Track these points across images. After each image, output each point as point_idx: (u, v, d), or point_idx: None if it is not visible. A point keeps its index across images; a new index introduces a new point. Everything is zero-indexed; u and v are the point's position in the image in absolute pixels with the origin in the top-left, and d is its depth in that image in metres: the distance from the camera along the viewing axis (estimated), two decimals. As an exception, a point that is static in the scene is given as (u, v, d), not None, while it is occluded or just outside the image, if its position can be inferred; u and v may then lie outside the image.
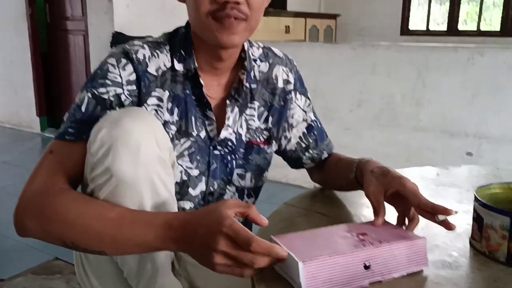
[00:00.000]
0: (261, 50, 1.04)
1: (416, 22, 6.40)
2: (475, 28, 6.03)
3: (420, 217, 0.81)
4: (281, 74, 1.04)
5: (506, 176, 1.12)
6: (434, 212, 0.76)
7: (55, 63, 4.56)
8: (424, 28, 6.30)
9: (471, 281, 0.70)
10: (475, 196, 0.79)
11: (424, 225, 0.88)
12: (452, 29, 6.09)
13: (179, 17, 0.97)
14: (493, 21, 6.12)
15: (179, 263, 0.97)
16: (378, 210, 0.80)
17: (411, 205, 0.80)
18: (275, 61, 1.04)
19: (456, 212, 0.76)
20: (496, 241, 0.74)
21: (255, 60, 1.01)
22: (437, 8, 6.40)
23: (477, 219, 0.77)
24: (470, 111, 2.56)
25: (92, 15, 4.02)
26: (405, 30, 6.29)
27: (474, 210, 0.79)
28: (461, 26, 6.17)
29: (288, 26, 5.28)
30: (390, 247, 0.68)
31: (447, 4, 6.15)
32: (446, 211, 0.75)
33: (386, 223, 0.79)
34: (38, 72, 4.52)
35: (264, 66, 1.03)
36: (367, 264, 0.65)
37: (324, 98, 2.92)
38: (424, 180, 1.16)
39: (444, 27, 6.20)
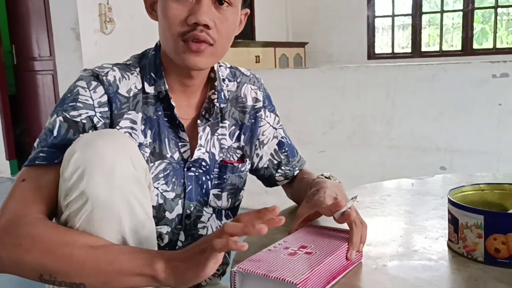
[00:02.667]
0: (228, 70, 1.04)
1: (382, 47, 6.60)
2: (438, 49, 6.24)
3: None
4: (249, 92, 1.05)
5: (478, 181, 1.14)
6: (334, 212, 0.79)
7: (23, 105, 4.49)
8: (390, 51, 6.48)
9: (452, 282, 0.70)
10: (448, 198, 0.79)
11: (403, 234, 0.88)
12: (416, 51, 6.29)
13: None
14: (454, 41, 6.36)
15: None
16: (292, 227, 0.85)
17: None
18: (243, 79, 1.05)
19: (354, 198, 0.81)
20: (473, 241, 0.74)
21: (223, 80, 1.02)
22: (400, 33, 6.62)
23: (453, 221, 0.78)
24: (439, 126, 2.62)
25: (60, 54, 3.99)
26: (371, 54, 6.46)
27: (449, 212, 0.79)
28: (424, 48, 6.38)
29: (258, 56, 5.36)
30: (335, 254, 0.70)
31: (410, 28, 6.36)
32: (337, 206, 0.78)
33: (311, 228, 0.82)
34: (7, 115, 4.43)
35: (233, 86, 1.03)
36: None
37: (298, 122, 2.94)
38: (399, 190, 1.17)
39: (408, 50, 6.40)
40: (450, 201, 0.78)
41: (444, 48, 6.23)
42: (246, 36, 5.72)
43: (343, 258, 0.71)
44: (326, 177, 0.96)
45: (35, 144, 0.83)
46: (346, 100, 2.82)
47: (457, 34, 6.23)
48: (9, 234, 0.72)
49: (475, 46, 6.11)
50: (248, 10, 0.99)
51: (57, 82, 4.07)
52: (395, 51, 6.47)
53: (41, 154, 0.80)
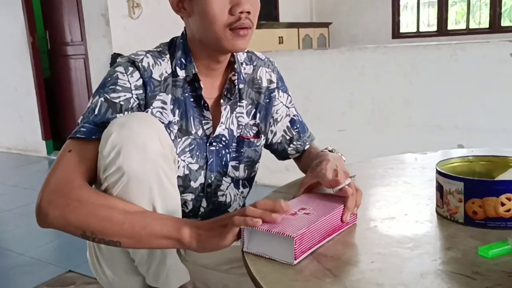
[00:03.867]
0: (245, 54, 1.16)
1: (408, 24, 6.54)
2: (464, 27, 6.15)
3: None
4: (264, 74, 1.16)
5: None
6: (334, 187, 0.89)
7: (58, 88, 4.72)
8: (415, 30, 6.43)
9: (433, 239, 0.80)
10: (436, 169, 0.89)
11: (397, 200, 0.99)
12: (442, 30, 6.22)
13: (175, 35, 1.08)
14: (482, 19, 6.25)
15: (185, 251, 1.09)
16: (297, 193, 0.97)
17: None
18: (259, 63, 1.16)
19: (352, 177, 0.90)
20: (455, 205, 0.84)
21: (241, 63, 1.13)
22: (426, 11, 6.54)
23: (439, 188, 0.88)
24: (457, 105, 2.66)
25: (91, 39, 4.18)
26: (396, 33, 6.43)
27: (436, 181, 0.89)
28: (451, 26, 6.30)
29: (282, 37, 5.42)
30: (331, 214, 0.81)
31: (436, 6, 6.28)
32: (336, 182, 0.88)
33: (312, 194, 0.94)
34: (42, 98, 4.67)
35: (249, 69, 1.14)
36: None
37: (318, 102, 3.03)
38: (402, 164, 1.27)
39: (434, 28, 6.33)
40: (437, 171, 0.88)
41: (472, 26, 6.13)
42: (270, 17, 5.77)
43: (338, 218, 0.82)
44: (329, 151, 1.07)
45: (79, 120, 0.96)
46: (365, 80, 2.89)
47: (485, 11, 6.12)
48: (59, 196, 0.85)
49: (506, 23, 6.00)
50: None
51: (89, 66, 4.26)
52: (421, 29, 6.41)
53: (82, 129, 0.93)
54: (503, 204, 0.79)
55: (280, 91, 1.19)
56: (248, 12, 0.96)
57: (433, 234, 0.82)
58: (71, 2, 4.28)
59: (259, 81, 1.15)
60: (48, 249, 2.44)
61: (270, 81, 1.17)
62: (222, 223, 0.82)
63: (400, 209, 0.93)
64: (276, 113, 1.19)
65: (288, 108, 1.21)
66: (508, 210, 0.79)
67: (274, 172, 2.97)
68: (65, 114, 4.69)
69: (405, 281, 0.66)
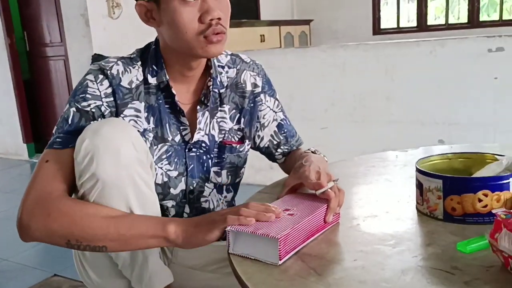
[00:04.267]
0: (228, 57, 1.14)
1: (388, 21, 6.60)
2: (443, 22, 6.24)
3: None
4: (248, 78, 1.15)
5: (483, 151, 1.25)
6: (317, 190, 0.90)
7: (38, 89, 4.65)
8: (395, 26, 6.50)
9: (413, 235, 0.82)
10: (416, 167, 0.91)
11: (379, 199, 1.01)
12: (422, 25, 6.30)
13: (154, 36, 1.08)
14: (460, 13, 6.34)
15: (172, 252, 1.10)
16: (280, 194, 0.99)
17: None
18: (243, 66, 1.15)
19: (335, 181, 0.91)
20: (434, 202, 0.86)
21: (222, 67, 1.12)
22: (406, 6, 6.61)
23: (419, 186, 0.90)
24: (437, 101, 2.71)
25: (71, 40, 4.12)
26: (377, 29, 6.49)
27: (416, 179, 0.91)
28: (431, 21, 6.38)
29: (263, 35, 5.43)
30: (314, 214, 0.82)
31: (416, 1, 6.35)
32: (319, 185, 0.89)
33: (296, 194, 0.95)
34: (22, 100, 4.60)
35: (232, 72, 1.13)
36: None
37: (301, 100, 3.05)
38: (383, 161, 1.29)
39: (414, 24, 6.41)
40: (416, 169, 0.90)
41: (451, 21, 6.22)
42: (251, 15, 5.77)
43: (321, 218, 0.84)
44: (312, 152, 1.08)
45: (54, 131, 0.97)
46: (347, 77, 2.92)
47: (463, 6, 6.21)
48: (40, 207, 0.85)
49: (484, 17, 6.09)
50: None
51: (69, 67, 4.21)
52: (401, 25, 6.48)
53: (57, 139, 0.93)
54: (480, 200, 0.82)
55: (266, 95, 1.18)
56: (219, 18, 0.95)
57: (414, 231, 0.84)
58: (49, 2, 4.21)
59: (243, 85, 1.14)
60: (33, 254, 2.42)
61: (255, 85, 1.15)
62: (210, 218, 0.83)
63: (382, 207, 0.95)
64: (263, 118, 1.18)
65: (276, 112, 1.20)
66: (485, 206, 0.82)
67: (258, 170, 2.99)
68: (46, 116, 4.63)
69: (387, 277, 0.68)
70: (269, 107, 1.18)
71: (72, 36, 4.10)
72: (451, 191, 0.83)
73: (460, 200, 0.83)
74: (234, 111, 1.13)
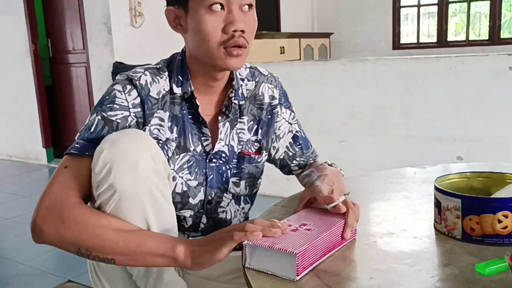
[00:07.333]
0: (248, 70, 1.16)
1: (408, 36, 6.58)
2: (464, 39, 6.19)
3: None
4: (266, 90, 1.16)
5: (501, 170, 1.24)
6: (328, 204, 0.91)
7: (59, 96, 4.73)
8: (415, 41, 6.47)
9: (430, 255, 0.81)
10: (434, 185, 0.90)
11: (396, 216, 1.00)
12: (442, 41, 6.27)
13: (177, 44, 1.09)
14: (481, 30, 6.29)
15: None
16: (298, 208, 1.00)
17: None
18: (261, 79, 1.16)
19: (346, 194, 0.92)
20: (452, 221, 0.85)
21: (242, 79, 1.14)
22: (426, 22, 6.59)
23: (437, 204, 0.89)
24: (456, 117, 2.68)
25: (93, 47, 4.20)
26: (396, 44, 6.47)
27: (434, 197, 0.90)
28: (451, 37, 6.34)
29: (283, 47, 5.46)
30: (331, 230, 0.82)
31: (436, 17, 6.33)
32: (330, 199, 0.91)
33: (312, 209, 0.95)
34: (43, 105, 4.69)
35: (251, 85, 1.15)
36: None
37: (319, 113, 3.05)
38: (402, 178, 1.28)
39: (434, 39, 6.37)
40: (435, 187, 0.90)
41: (471, 37, 6.18)
42: (271, 27, 5.81)
43: (338, 234, 0.83)
44: (329, 165, 1.08)
45: (76, 137, 0.97)
46: (366, 91, 2.91)
47: (484, 23, 6.16)
48: (54, 213, 0.86)
49: (505, 35, 6.04)
50: None
51: (90, 74, 4.29)
52: (421, 40, 6.46)
53: (76, 145, 0.94)
54: (500, 221, 0.81)
55: (282, 107, 1.19)
56: (242, 31, 0.96)
57: (431, 250, 0.83)
58: (73, 10, 4.31)
59: (261, 97, 1.15)
60: (48, 259, 2.44)
61: (272, 97, 1.17)
62: (218, 237, 0.83)
63: (399, 224, 0.94)
64: (279, 129, 1.19)
65: (291, 124, 1.21)
66: (505, 227, 0.81)
67: (274, 182, 2.98)
68: (66, 122, 4.71)
69: (403, 297, 0.67)
70: (284, 118, 1.19)
71: (94, 43, 4.18)
72: (470, 211, 0.82)
73: (479, 220, 0.82)
74: (252, 122, 1.14)
